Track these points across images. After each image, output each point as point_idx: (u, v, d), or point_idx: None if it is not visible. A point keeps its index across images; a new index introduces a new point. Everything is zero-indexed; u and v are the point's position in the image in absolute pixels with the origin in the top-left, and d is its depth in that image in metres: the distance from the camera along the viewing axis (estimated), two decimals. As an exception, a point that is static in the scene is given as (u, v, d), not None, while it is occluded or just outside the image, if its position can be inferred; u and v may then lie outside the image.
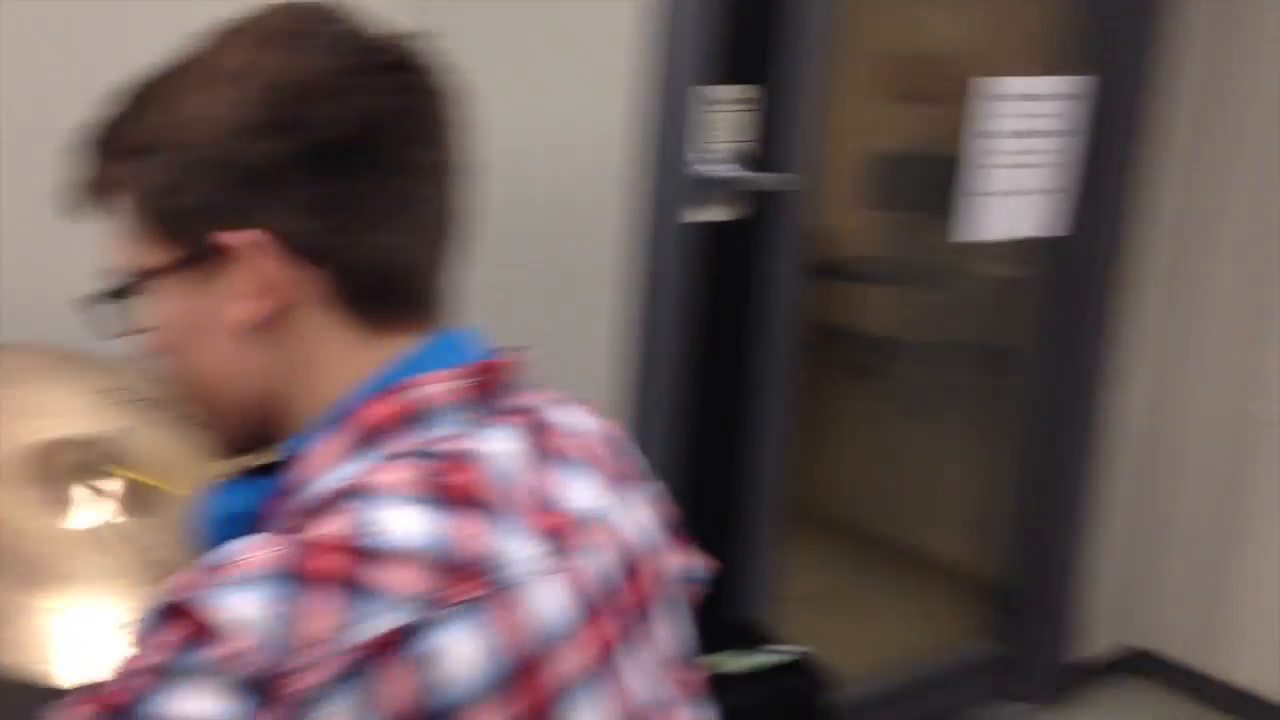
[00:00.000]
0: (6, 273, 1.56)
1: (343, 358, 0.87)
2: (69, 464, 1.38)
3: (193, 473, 1.40)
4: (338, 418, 0.85)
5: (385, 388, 0.85)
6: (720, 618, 2.12)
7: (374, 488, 0.79)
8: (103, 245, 0.94)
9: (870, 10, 3.48)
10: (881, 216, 3.93)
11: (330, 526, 0.77)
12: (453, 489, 0.80)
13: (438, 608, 0.75)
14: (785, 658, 2.05)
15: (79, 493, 1.35)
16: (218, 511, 0.91)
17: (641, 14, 1.95)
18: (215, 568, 0.75)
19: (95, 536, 1.33)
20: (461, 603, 0.76)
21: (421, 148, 0.88)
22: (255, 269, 0.85)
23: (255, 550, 0.75)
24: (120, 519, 1.36)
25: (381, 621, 0.73)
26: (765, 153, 2.21)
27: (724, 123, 2.17)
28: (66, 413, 1.45)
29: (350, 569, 0.74)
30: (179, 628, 0.73)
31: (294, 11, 0.88)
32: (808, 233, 2.32)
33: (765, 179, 2.20)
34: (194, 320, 0.88)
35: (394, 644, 0.73)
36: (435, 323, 0.90)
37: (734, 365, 2.35)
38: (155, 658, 0.73)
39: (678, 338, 2.16)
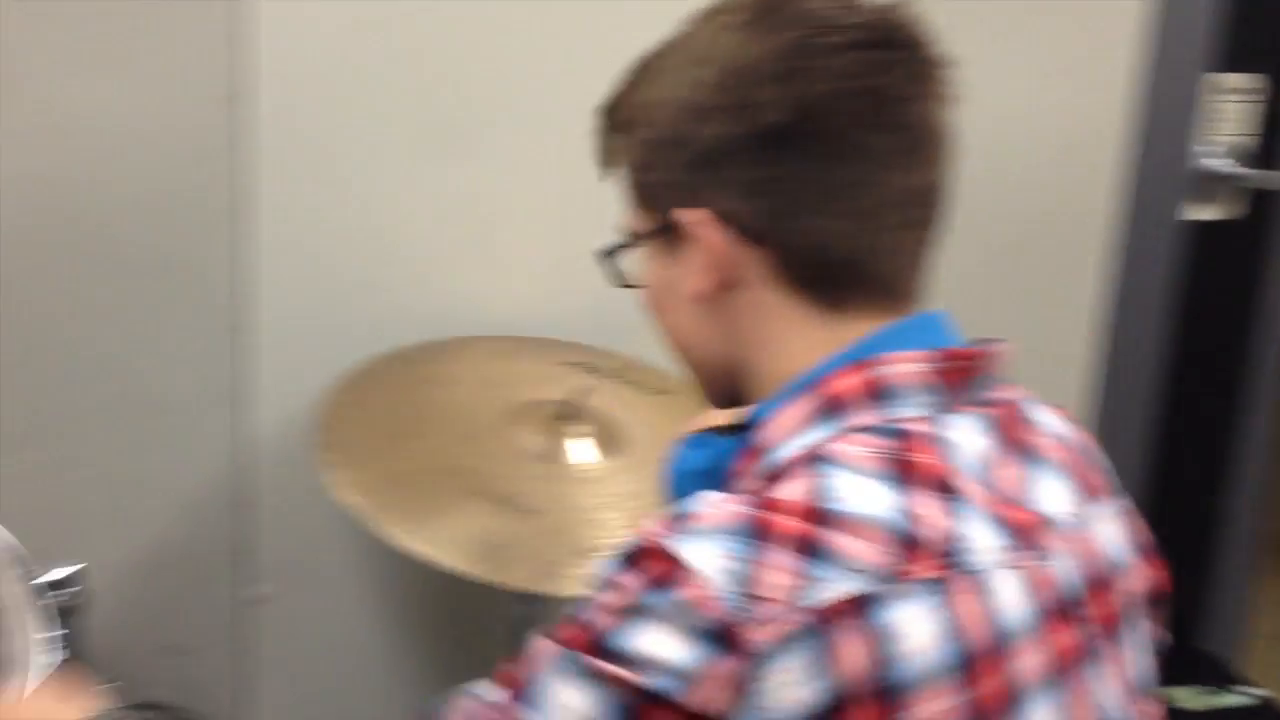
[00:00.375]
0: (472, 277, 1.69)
1: (799, 334, 0.88)
2: (545, 417, 1.55)
3: (642, 425, 1.59)
4: (802, 387, 0.86)
5: (852, 361, 0.85)
6: (1184, 650, 1.97)
7: (835, 456, 0.80)
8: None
9: None
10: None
11: (791, 489, 0.78)
12: (914, 467, 0.79)
13: (897, 581, 0.74)
14: (1250, 701, 1.88)
15: (554, 440, 1.53)
16: (683, 465, 0.97)
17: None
18: (682, 517, 0.78)
19: (569, 475, 1.51)
20: (921, 580, 0.75)
21: (876, 132, 0.85)
22: (705, 246, 0.87)
23: (720, 505, 0.78)
24: (589, 462, 1.52)
25: (839, 587, 0.73)
26: (1269, 148, 2.02)
27: (1228, 114, 2.00)
28: (536, 380, 1.63)
29: (810, 531, 0.75)
30: (648, 568, 0.76)
31: None
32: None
33: (1270, 177, 2.01)
34: (666, 285, 0.93)
35: (851, 611, 0.73)
36: (908, 306, 0.89)
37: (1216, 378, 2.17)
38: (623, 596, 0.77)
39: (1159, 346, 2.02)
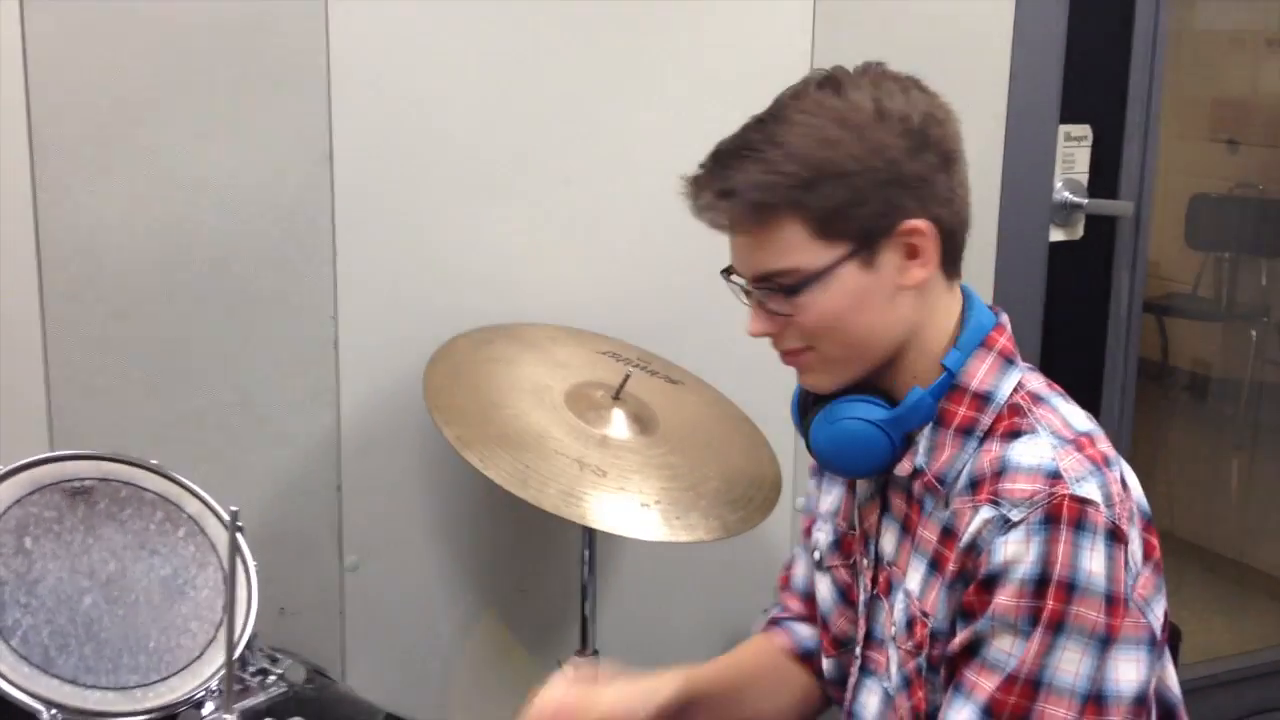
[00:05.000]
0: (530, 272, 2.09)
1: (944, 303, 1.22)
2: (590, 399, 1.90)
3: (663, 409, 1.93)
4: (974, 344, 1.20)
5: (994, 325, 1.22)
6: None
7: (1042, 392, 1.19)
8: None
9: (1196, 59, 3.73)
10: (1205, 256, 4.14)
11: (1055, 421, 1.15)
12: (1064, 392, 1.22)
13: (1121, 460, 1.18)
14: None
15: (601, 417, 1.87)
16: (868, 415, 1.20)
17: (1007, 66, 2.35)
18: (1066, 471, 1.11)
19: (612, 445, 1.84)
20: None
21: (961, 145, 1.22)
22: (921, 246, 1.17)
23: (1066, 453, 1.12)
24: (629, 436, 1.87)
25: (1119, 473, 1.15)
26: (1094, 182, 2.55)
27: (1070, 156, 2.53)
28: (580, 365, 1.98)
29: (1094, 450, 1.14)
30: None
31: (858, 69, 1.19)
32: (1142, 255, 2.64)
33: (1105, 205, 2.54)
34: (868, 289, 1.17)
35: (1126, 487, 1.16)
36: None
37: (1078, 358, 2.66)
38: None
39: (1036, 336, 2.52)
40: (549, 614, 2.18)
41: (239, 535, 1.52)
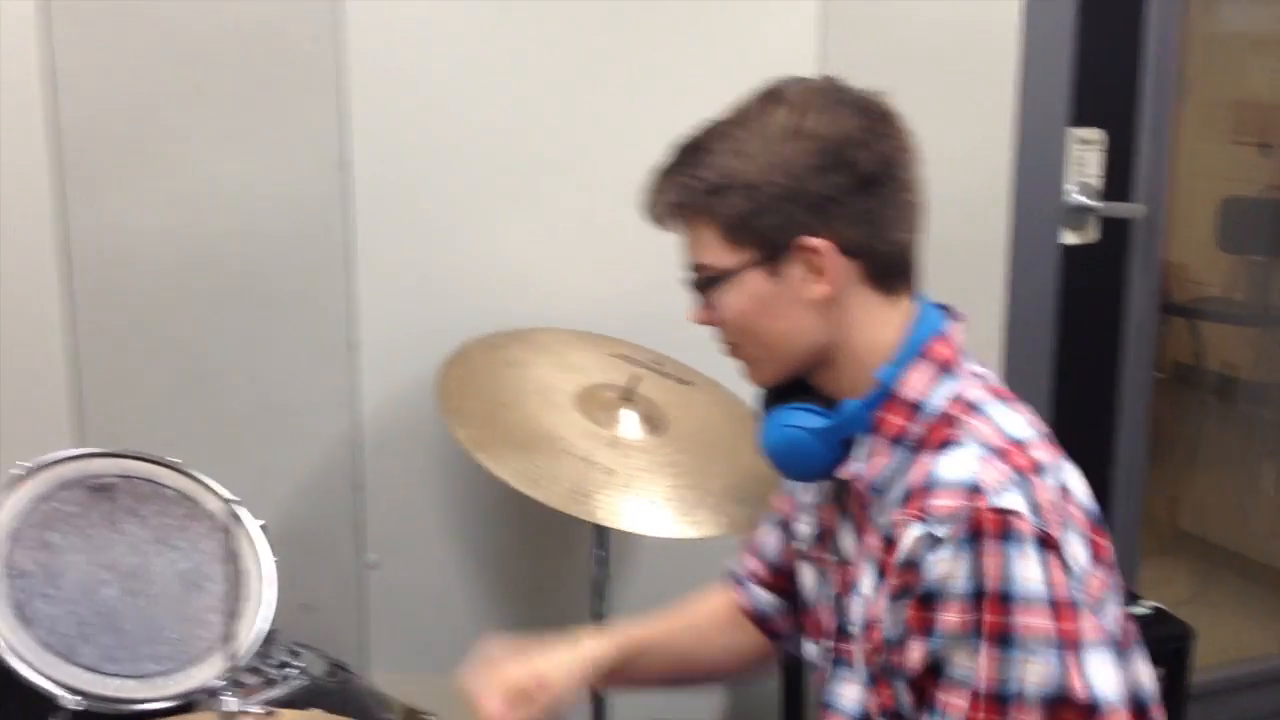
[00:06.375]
0: (544, 273, 2.14)
1: (875, 317, 1.23)
2: (602, 400, 1.95)
3: (673, 409, 1.97)
4: (911, 355, 1.21)
5: (934, 334, 1.22)
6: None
7: (979, 401, 1.19)
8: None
9: (1221, 60, 3.72)
10: (1237, 259, 4.12)
11: (984, 430, 1.15)
12: (1011, 398, 1.23)
13: (1063, 464, 1.19)
14: (1144, 611, 2.35)
15: (612, 416, 1.92)
16: (806, 424, 1.24)
17: (1016, 69, 2.37)
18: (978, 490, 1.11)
19: (622, 445, 1.88)
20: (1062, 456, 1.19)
21: (909, 169, 1.22)
22: (827, 263, 1.18)
23: (988, 464, 1.12)
24: (639, 436, 1.91)
25: (1055, 481, 1.15)
26: (1109, 185, 2.56)
27: (1082, 159, 2.55)
28: (591, 367, 2.03)
29: (1023, 459, 1.13)
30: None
31: (811, 84, 1.22)
32: (1155, 258, 2.65)
33: (1117, 208, 2.56)
34: (774, 297, 1.21)
35: (1065, 493, 1.16)
36: (916, 287, 1.29)
37: (1093, 364, 2.66)
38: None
39: (1049, 340, 2.53)
40: (565, 610, 2.21)
41: (259, 532, 1.59)
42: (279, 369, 1.99)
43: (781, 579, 1.49)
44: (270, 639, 1.64)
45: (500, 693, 1.36)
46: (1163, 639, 2.32)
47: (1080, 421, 2.66)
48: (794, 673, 2.29)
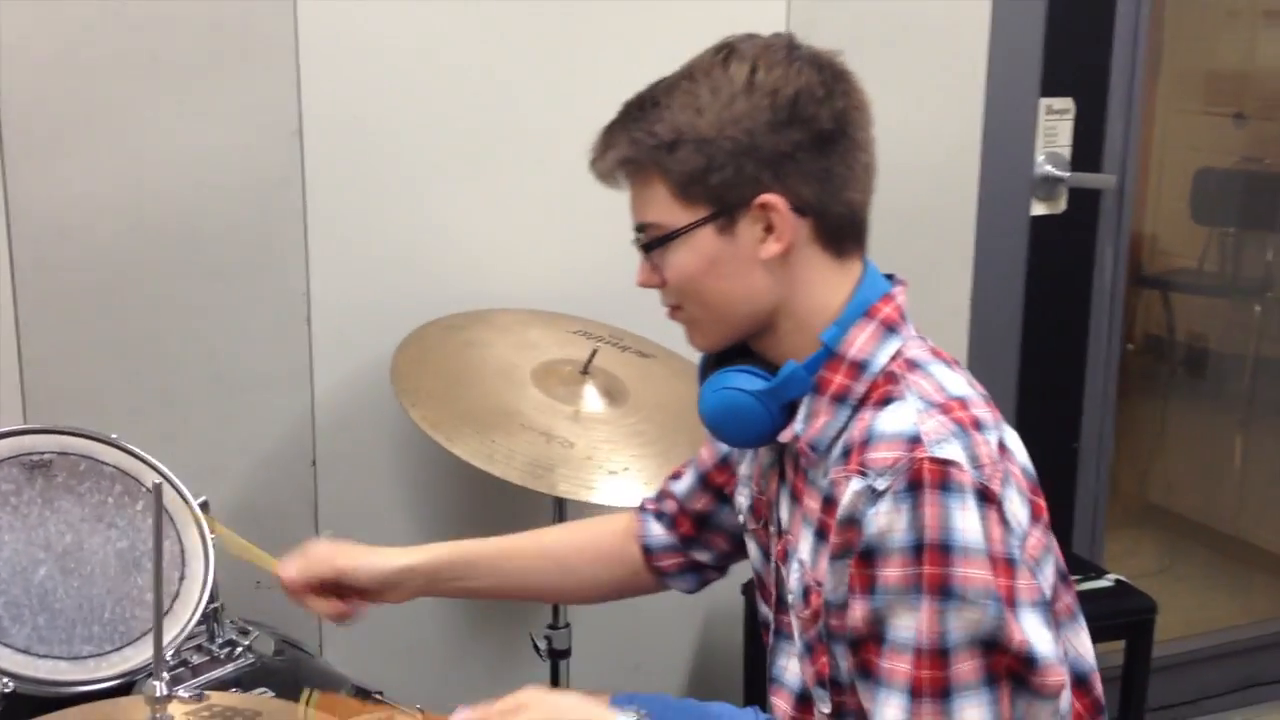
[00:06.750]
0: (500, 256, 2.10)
1: (825, 279, 1.20)
2: (560, 375, 1.94)
3: (633, 381, 1.96)
4: (857, 315, 1.19)
5: (882, 295, 1.22)
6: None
7: (921, 359, 1.18)
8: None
9: (1195, 30, 3.70)
10: (1210, 231, 4.11)
11: (925, 386, 1.14)
12: (953, 361, 1.21)
13: (1002, 424, 1.18)
14: (1106, 584, 2.36)
15: (573, 390, 1.92)
16: (749, 386, 1.21)
17: (987, 38, 2.34)
18: (925, 435, 1.09)
19: (583, 418, 1.88)
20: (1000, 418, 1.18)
21: (864, 129, 1.20)
22: (780, 221, 1.16)
23: (928, 416, 1.11)
24: (598, 408, 1.91)
25: (995, 438, 1.14)
26: (1083, 157, 2.54)
27: (1052, 130, 2.52)
28: (550, 344, 2.02)
29: (964, 414, 1.12)
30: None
31: (766, 40, 1.19)
32: (1125, 229, 2.64)
33: (1087, 178, 2.53)
34: (725, 256, 1.18)
35: (1004, 450, 1.14)
36: (864, 250, 1.26)
37: (1061, 333, 2.66)
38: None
39: (1017, 309, 2.51)
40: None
41: (200, 510, 1.55)
42: (232, 343, 1.95)
43: (687, 521, 1.48)
44: (217, 617, 1.60)
45: (301, 571, 1.44)
46: (1125, 611, 2.32)
47: (1049, 393, 2.66)
48: (757, 638, 2.28)
